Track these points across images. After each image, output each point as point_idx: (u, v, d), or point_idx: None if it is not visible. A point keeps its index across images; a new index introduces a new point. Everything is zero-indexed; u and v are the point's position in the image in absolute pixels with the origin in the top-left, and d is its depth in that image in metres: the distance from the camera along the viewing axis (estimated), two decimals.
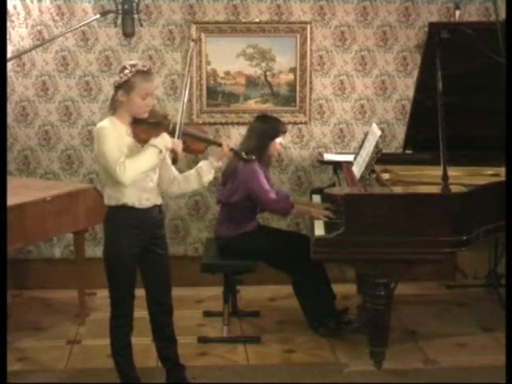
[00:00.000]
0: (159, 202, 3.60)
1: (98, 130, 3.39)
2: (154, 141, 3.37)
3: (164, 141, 3.39)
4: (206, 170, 3.59)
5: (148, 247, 3.56)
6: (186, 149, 3.54)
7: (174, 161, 3.47)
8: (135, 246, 3.50)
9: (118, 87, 3.40)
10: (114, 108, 3.47)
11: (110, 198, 3.50)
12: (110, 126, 3.40)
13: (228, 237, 4.51)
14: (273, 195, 4.47)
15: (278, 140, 4.56)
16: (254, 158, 3.73)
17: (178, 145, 3.43)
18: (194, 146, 3.57)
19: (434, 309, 4.98)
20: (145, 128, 3.44)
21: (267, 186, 4.47)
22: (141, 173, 3.38)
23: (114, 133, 3.38)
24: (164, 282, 3.68)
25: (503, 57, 3.66)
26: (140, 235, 3.50)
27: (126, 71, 3.38)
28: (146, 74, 3.41)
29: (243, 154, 3.68)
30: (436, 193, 3.94)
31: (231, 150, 3.64)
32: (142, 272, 3.63)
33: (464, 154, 4.53)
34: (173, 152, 3.43)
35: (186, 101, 3.59)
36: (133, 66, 3.40)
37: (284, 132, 4.64)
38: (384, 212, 3.84)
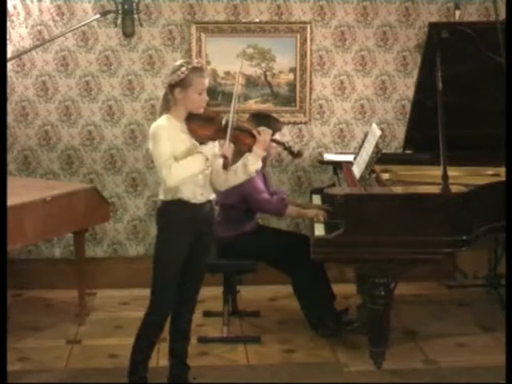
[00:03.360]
0: (212, 196, 3.66)
1: (155, 129, 3.49)
2: (202, 148, 3.48)
3: (212, 149, 3.52)
4: (252, 160, 3.61)
5: (197, 241, 3.60)
6: (238, 142, 3.65)
7: (225, 166, 3.54)
8: (186, 240, 3.55)
9: (174, 85, 3.48)
10: (167, 107, 3.55)
11: (166, 192, 3.55)
12: (167, 124, 3.49)
13: (228, 237, 4.50)
14: (266, 195, 4.47)
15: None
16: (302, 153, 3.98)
17: (228, 150, 3.52)
18: (245, 140, 3.64)
19: (434, 309, 4.98)
20: (200, 124, 3.55)
21: (260, 187, 4.47)
22: (186, 177, 3.46)
23: (170, 131, 3.47)
24: (199, 278, 3.74)
25: (503, 57, 3.67)
26: (191, 230, 3.55)
27: (183, 69, 3.47)
28: (200, 70, 3.52)
29: (284, 142, 3.92)
30: (436, 193, 3.94)
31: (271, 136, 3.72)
32: (183, 265, 3.65)
33: (464, 154, 4.53)
34: (223, 157, 3.51)
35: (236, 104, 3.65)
36: (188, 63, 3.52)
37: (278, 130, 4.61)
38: (384, 212, 3.84)
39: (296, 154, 3.92)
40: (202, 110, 3.56)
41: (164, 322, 3.66)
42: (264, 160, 4.64)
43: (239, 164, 3.65)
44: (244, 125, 3.69)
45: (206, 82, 3.55)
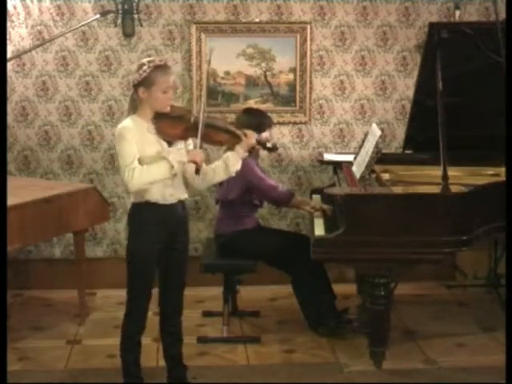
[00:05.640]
0: (184, 196, 3.61)
1: (119, 130, 3.45)
2: (167, 155, 3.39)
3: (178, 155, 3.42)
4: (233, 160, 3.58)
5: (170, 244, 3.58)
6: (208, 140, 3.57)
7: (197, 171, 3.44)
8: (158, 242, 3.52)
9: (137, 85, 3.45)
10: (134, 107, 3.52)
11: (135, 194, 3.52)
12: (132, 125, 3.45)
13: (228, 234, 4.51)
14: (271, 182, 4.52)
15: (265, 134, 4.54)
16: (277, 147, 3.86)
17: (197, 155, 3.43)
18: (216, 137, 3.58)
19: (434, 309, 4.98)
20: (168, 122, 3.48)
21: (263, 175, 4.51)
22: (148, 183, 3.42)
23: (135, 133, 3.42)
24: (179, 279, 3.70)
25: (503, 57, 3.67)
26: (163, 231, 3.52)
27: (145, 67, 3.43)
28: (163, 68, 3.47)
29: (267, 143, 3.80)
30: (436, 193, 3.94)
31: (256, 140, 3.67)
32: (160, 267, 3.64)
33: (464, 154, 4.53)
34: (193, 162, 3.43)
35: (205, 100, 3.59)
36: (150, 61, 3.46)
37: (270, 125, 4.61)
38: (384, 212, 3.84)
39: (272, 149, 3.88)
40: (168, 109, 3.50)
41: (144, 320, 3.63)
42: (256, 155, 4.66)
43: (219, 163, 3.61)
44: (215, 122, 3.61)
45: (171, 80, 3.50)
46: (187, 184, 3.64)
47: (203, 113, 3.48)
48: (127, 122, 3.47)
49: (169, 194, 3.52)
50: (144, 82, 3.43)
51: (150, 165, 3.40)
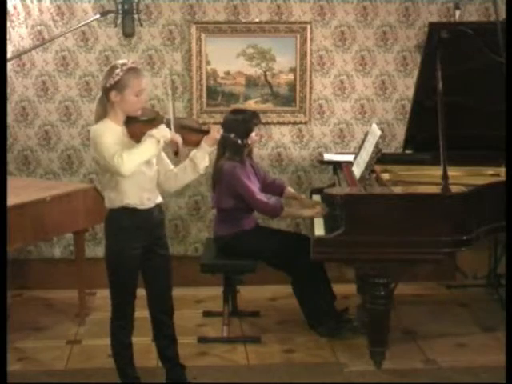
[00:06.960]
0: (159, 200, 3.60)
1: (93, 132, 3.38)
2: (151, 131, 3.33)
3: (161, 131, 3.35)
4: (200, 157, 3.51)
5: (150, 248, 3.56)
6: (186, 142, 3.51)
7: (176, 153, 3.40)
8: (137, 247, 3.50)
9: (109, 88, 3.36)
10: (104, 113, 3.43)
11: (112, 200, 3.47)
12: (107, 128, 3.38)
13: (227, 236, 4.51)
14: (260, 197, 4.46)
15: (253, 134, 4.53)
16: (239, 140, 3.78)
17: (178, 136, 3.40)
18: (192, 138, 3.53)
19: (434, 309, 4.98)
20: (141, 125, 3.42)
21: (253, 188, 4.46)
22: (139, 164, 3.32)
23: (110, 133, 3.37)
24: (165, 282, 3.68)
25: (503, 57, 3.67)
26: (142, 236, 3.50)
27: (117, 70, 3.36)
28: (136, 70, 3.41)
29: (231, 135, 3.72)
30: (436, 193, 3.95)
31: (222, 135, 3.60)
32: (144, 272, 3.63)
33: (464, 154, 4.53)
34: (173, 144, 3.39)
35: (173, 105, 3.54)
36: (123, 64, 3.39)
37: (256, 124, 4.58)
38: (384, 212, 3.84)
39: (235, 142, 3.81)
40: (140, 112, 3.43)
41: (130, 323, 3.63)
42: (249, 153, 4.65)
43: (187, 163, 3.54)
44: (188, 123, 3.58)
45: (144, 82, 3.43)
46: (159, 187, 3.60)
47: (174, 115, 3.44)
48: (101, 126, 3.39)
49: (146, 197, 3.47)
50: (117, 86, 3.34)
51: (136, 147, 3.32)
